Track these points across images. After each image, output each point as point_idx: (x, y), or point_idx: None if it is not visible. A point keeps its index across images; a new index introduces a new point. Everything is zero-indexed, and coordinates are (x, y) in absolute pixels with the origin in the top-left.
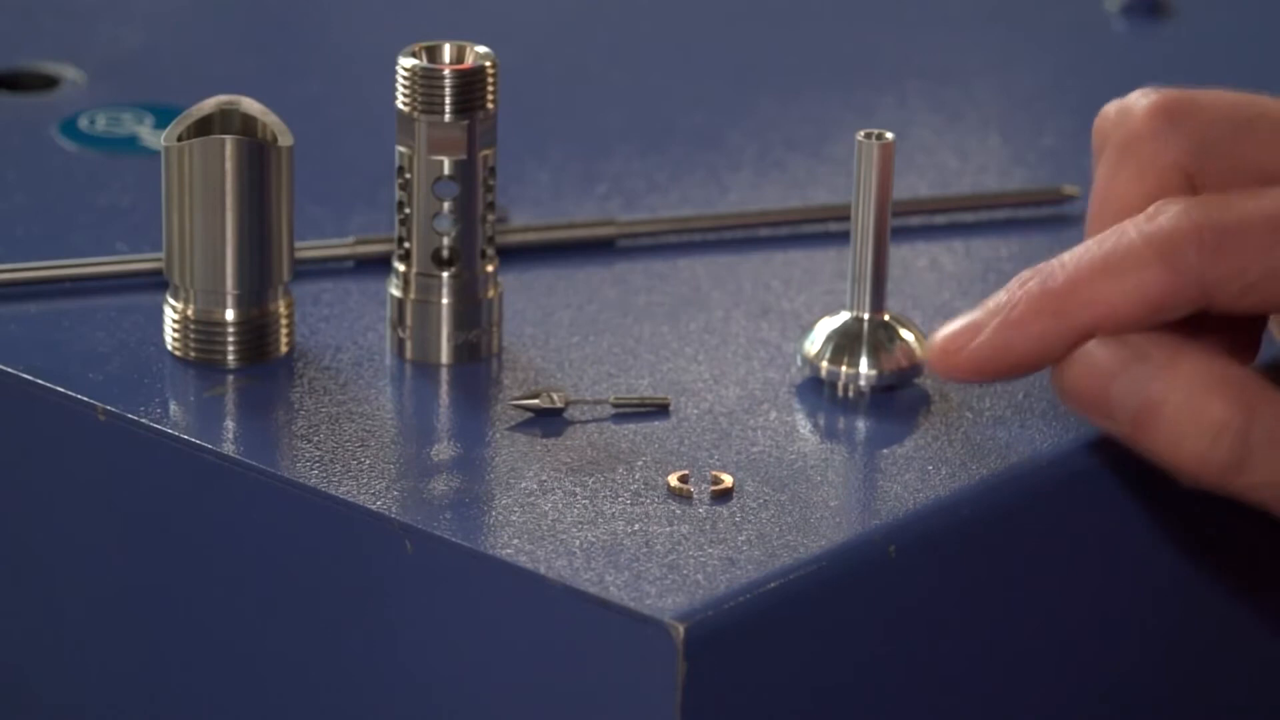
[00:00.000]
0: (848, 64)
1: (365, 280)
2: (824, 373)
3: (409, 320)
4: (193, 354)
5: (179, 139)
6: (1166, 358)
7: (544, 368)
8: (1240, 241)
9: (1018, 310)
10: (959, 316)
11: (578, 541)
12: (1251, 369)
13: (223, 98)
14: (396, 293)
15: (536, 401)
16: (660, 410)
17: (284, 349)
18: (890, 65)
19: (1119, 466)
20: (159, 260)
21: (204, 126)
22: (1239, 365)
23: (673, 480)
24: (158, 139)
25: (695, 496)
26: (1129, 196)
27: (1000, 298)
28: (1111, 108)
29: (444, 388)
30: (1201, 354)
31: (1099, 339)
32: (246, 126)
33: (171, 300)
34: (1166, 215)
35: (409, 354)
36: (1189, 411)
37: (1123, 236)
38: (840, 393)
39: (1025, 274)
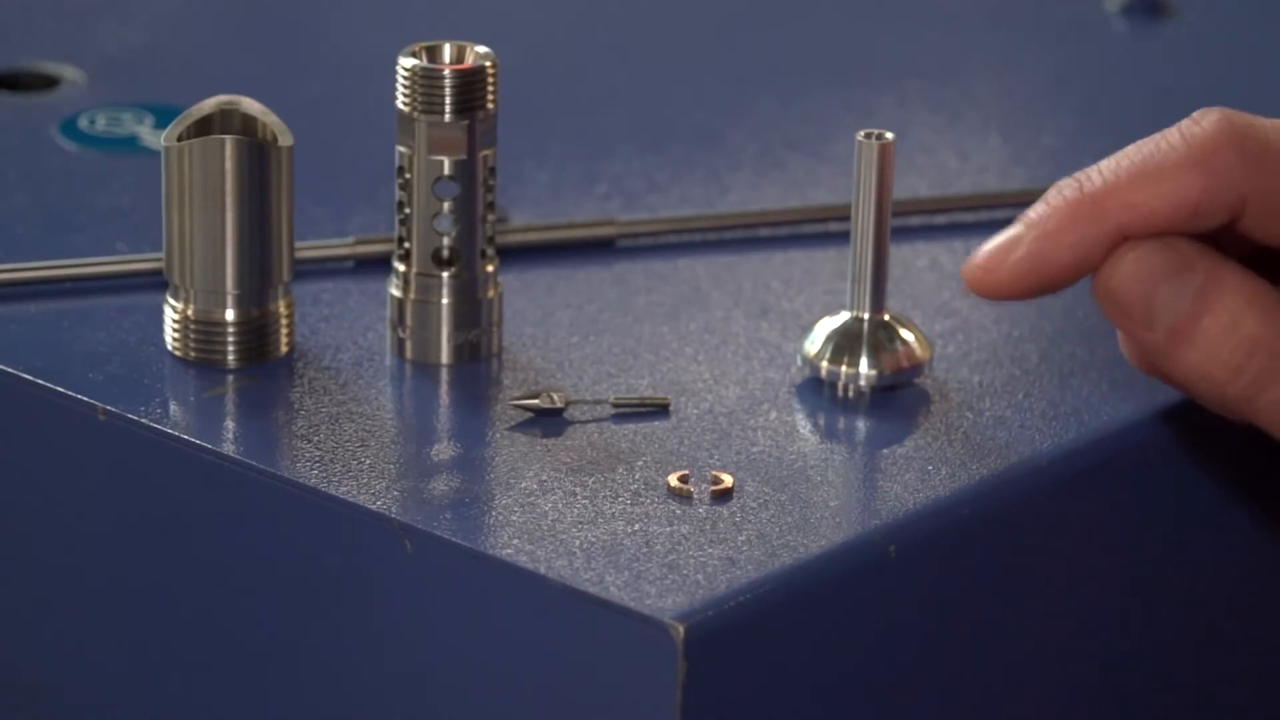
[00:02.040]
0: (848, 64)
1: (365, 280)
2: (824, 373)
3: (409, 320)
4: (193, 354)
5: (179, 139)
6: (1211, 271)
7: (544, 368)
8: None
9: (1054, 219)
10: (997, 234)
11: (578, 541)
12: None
13: (223, 98)
14: (396, 293)
15: (536, 401)
16: (660, 410)
17: (284, 349)
18: (890, 65)
19: (1119, 466)
20: (159, 260)
21: (204, 126)
22: (1276, 289)
23: (673, 480)
24: (158, 139)
25: (695, 496)
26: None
27: (1038, 208)
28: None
29: (444, 388)
30: (1244, 272)
31: (1149, 244)
32: (246, 126)
33: (171, 300)
34: (1210, 120)
35: (409, 354)
36: (1227, 325)
37: (1162, 141)
38: (840, 393)
39: (1062, 182)
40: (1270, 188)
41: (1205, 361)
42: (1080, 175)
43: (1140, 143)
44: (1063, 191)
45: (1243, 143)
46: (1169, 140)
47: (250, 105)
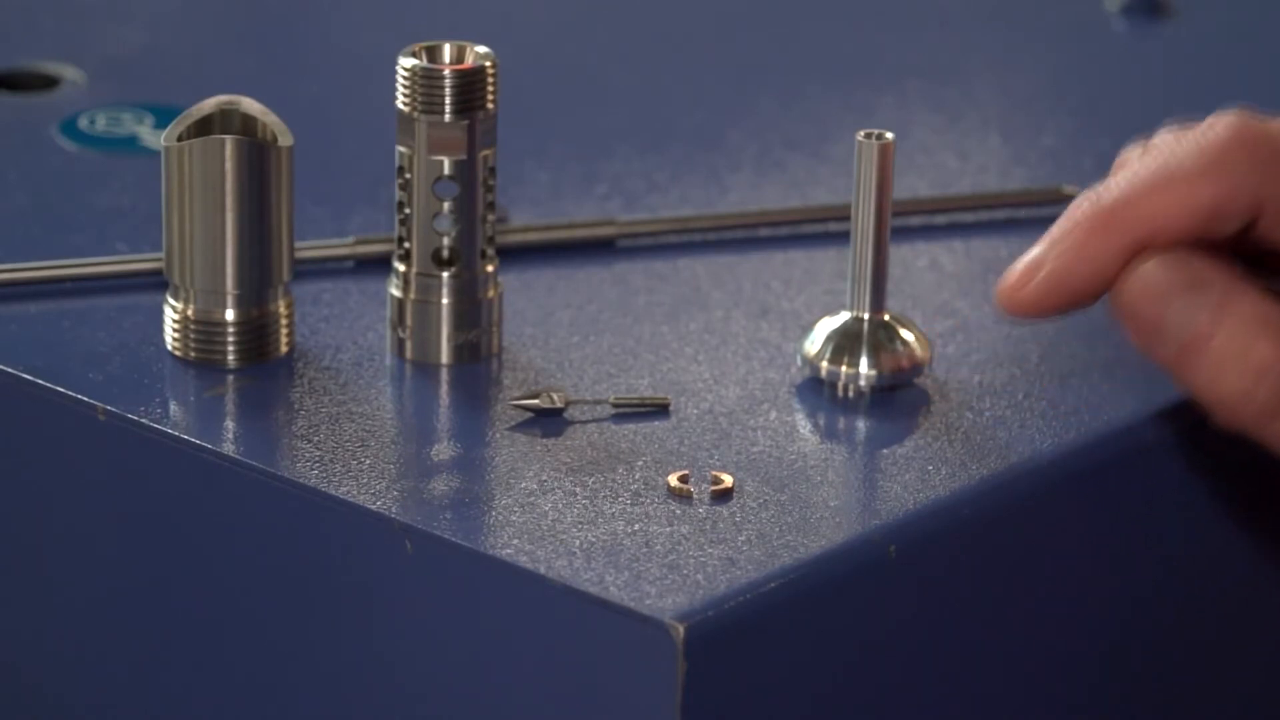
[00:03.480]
0: (848, 64)
1: (365, 280)
2: (824, 373)
3: (409, 320)
4: (193, 354)
5: (179, 139)
6: (1223, 291)
7: (544, 368)
8: None
9: (1072, 235)
10: (1024, 255)
11: (578, 541)
12: None
13: (223, 98)
14: (396, 293)
15: (536, 401)
16: (660, 410)
17: (284, 349)
18: (890, 65)
19: (1119, 466)
20: (159, 260)
21: (204, 126)
22: None
23: (673, 480)
24: (158, 139)
25: (695, 496)
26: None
27: (1060, 225)
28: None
29: (444, 388)
30: (1257, 294)
31: (1161, 260)
32: (246, 126)
33: (171, 300)
34: (1223, 124)
35: (409, 354)
36: (1236, 348)
37: (1175, 149)
38: (840, 393)
39: (1077, 198)
40: None
41: (1213, 383)
42: (1098, 189)
43: (1156, 150)
44: (1080, 206)
45: (1257, 147)
46: (1183, 147)
47: (250, 105)
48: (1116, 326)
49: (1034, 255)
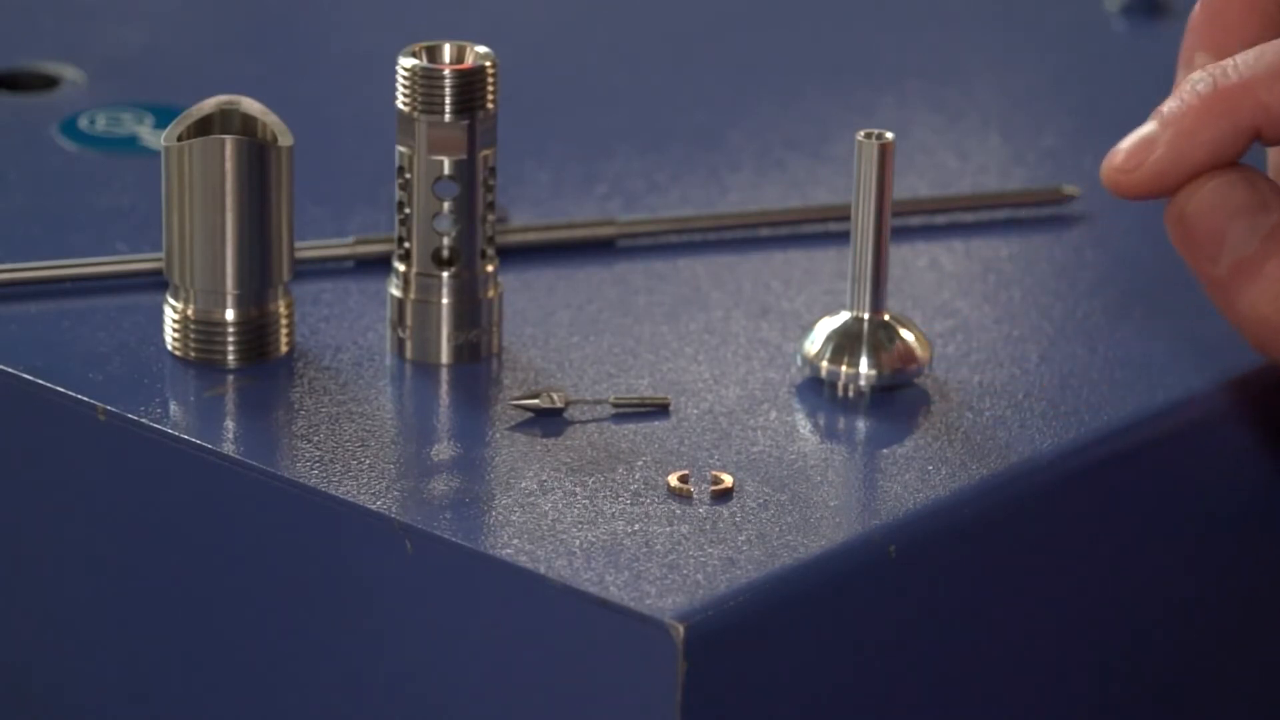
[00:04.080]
0: (848, 64)
1: (365, 280)
2: (824, 373)
3: (409, 320)
4: (193, 354)
5: (179, 139)
6: None
7: (544, 368)
8: None
9: (1190, 116)
10: (1131, 134)
11: (578, 541)
12: None
13: (223, 98)
14: (396, 293)
15: (536, 401)
16: (660, 410)
17: (284, 349)
18: (890, 65)
19: (1119, 466)
20: (159, 260)
21: (204, 126)
22: None
23: (673, 480)
24: (158, 139)
25: (695, 496)
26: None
27: (1171, 103)
28: None
29: (444, 388)
30: None
31: (1230, 175)
32: (246, 126)
33: (171, 300)
34: None
35: (409, 354)
36: None
37: None
38: (840, 393)
39: (1196, 76)
40: None
41: (1263, 302)
42: (1215, 68)
43: (1276, 41)
44: (1197, 86)
45: None
46: None
47: (250, 105)
48: (1169, 233)
49: (1145, 134)
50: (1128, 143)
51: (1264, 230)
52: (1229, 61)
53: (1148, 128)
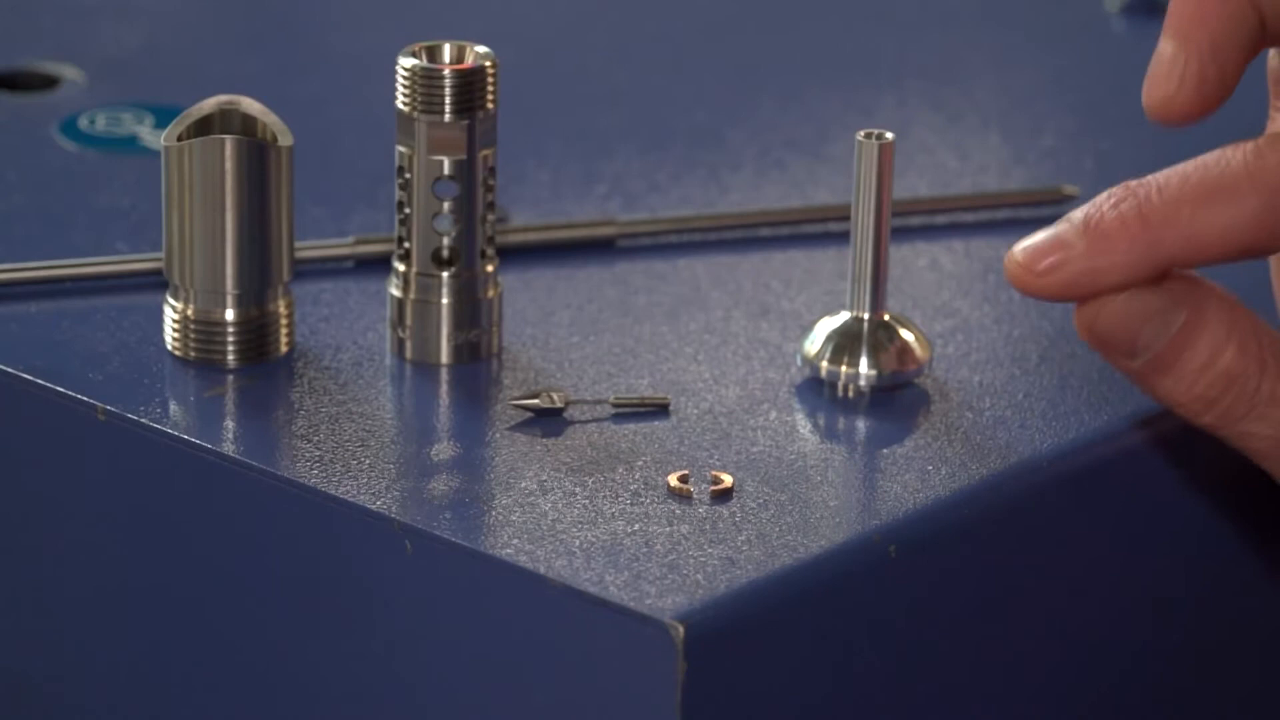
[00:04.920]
0: (848, 64)
1: (365, 280)
2: (824, 373)
3: (409, 320)
4: (193, 354)
5: (179, 139)
6: (1196, 304)
7: (544, 368)
8: None
9: (1107, 239)
10: (1043, 231)
11: (578, 541)
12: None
13: (223, 98)
14: (396, 293)
15: (536, 401)
16: (660, 410)
17: (284, 349)
18: (890, 65)
19: (1119, 466)
20: (159, 260)
21: (204, 126)
22: (1261, 321)
23: (673, 480)
24: (158, 139)
25: (695, 496)
26: None
27: (1090, 213)
28: None
29: (444, 388)
30: (1228, 304)
31: (1133, 290)
32: (246, 126)
33: (171, 300)
34: (1277, 159)
35: (409, 354)
36: (1205, 359)
37: (1228, 168)
38: (840, 393)
39: (1116, 191)
40: None
41: (1181, 393)
42: (1137, 189)
43: (1202, 161)
44: (1120, 205)
45: None
46: (1234, 168)
47: (250, 105)
48: (1078, 332)
49: (1059, 238)
50: (1038, 241)
51: (1174, 328)
52: (1154, 182)
53: (1061, 229)
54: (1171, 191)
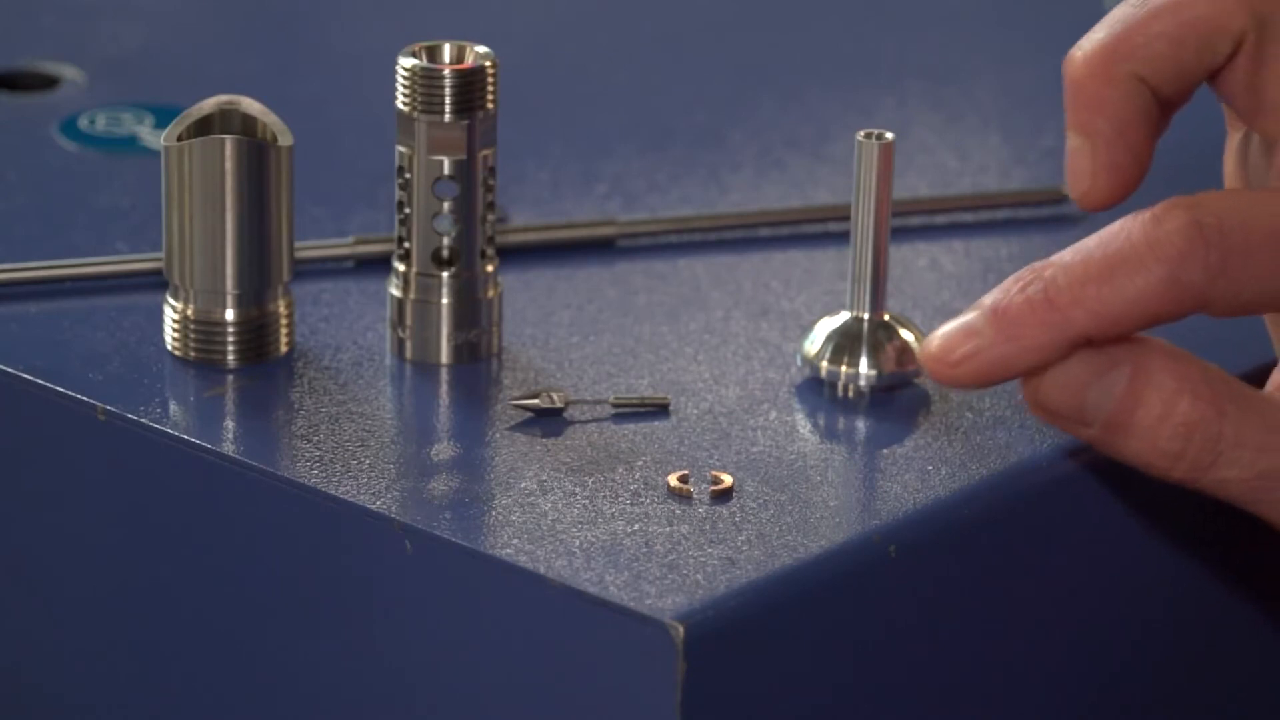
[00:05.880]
0: (848, 64)
1: (365, 280)
2: (824, 373)
3: (409, 320)
4: (193, 354)
5: (179, 139)
6: (1138, 361)
7: (544, 368)
8: (1245, 263)
9: (1019, 324)
10: (952, 320)
11: (578, 541)
12: (1222, 370)
13: (223, 98)
14: (396, 293)
15: (536, 401)
16: (660, 410)
17: (284, 349)
18: (890, 65)
19: (1119, 466)
20: (159, 260)
21: (204, 126)
22: (1210, 365)
23: (673, 480)
24: (158, 139)
25: (695, 496)
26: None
27: (998, 299)
28: None
29: (444, 388)
30: (1171, 354)
31: (1070, 358)
32: (246, 126)
33: (171, 300)
34: (1174, 225)
35: (409, 354)
36: (1159, 414)
37: (1128, 240)
38: (840, 393)
39: (1023, 275)
40: (1234, 289)
41: (1146, 451)
42: (1042, 272)
43: (1104, 236)
44: (1027, 290)
45: (1207, 254)
46: (1135, 242)
47: (250, 105)
48: (1029, 411)
49: (969, 326)
50: (951, 330)
51: (1120, 387)
52: (1058, 262)
53: (970, 318)
54: (1076, 271)
